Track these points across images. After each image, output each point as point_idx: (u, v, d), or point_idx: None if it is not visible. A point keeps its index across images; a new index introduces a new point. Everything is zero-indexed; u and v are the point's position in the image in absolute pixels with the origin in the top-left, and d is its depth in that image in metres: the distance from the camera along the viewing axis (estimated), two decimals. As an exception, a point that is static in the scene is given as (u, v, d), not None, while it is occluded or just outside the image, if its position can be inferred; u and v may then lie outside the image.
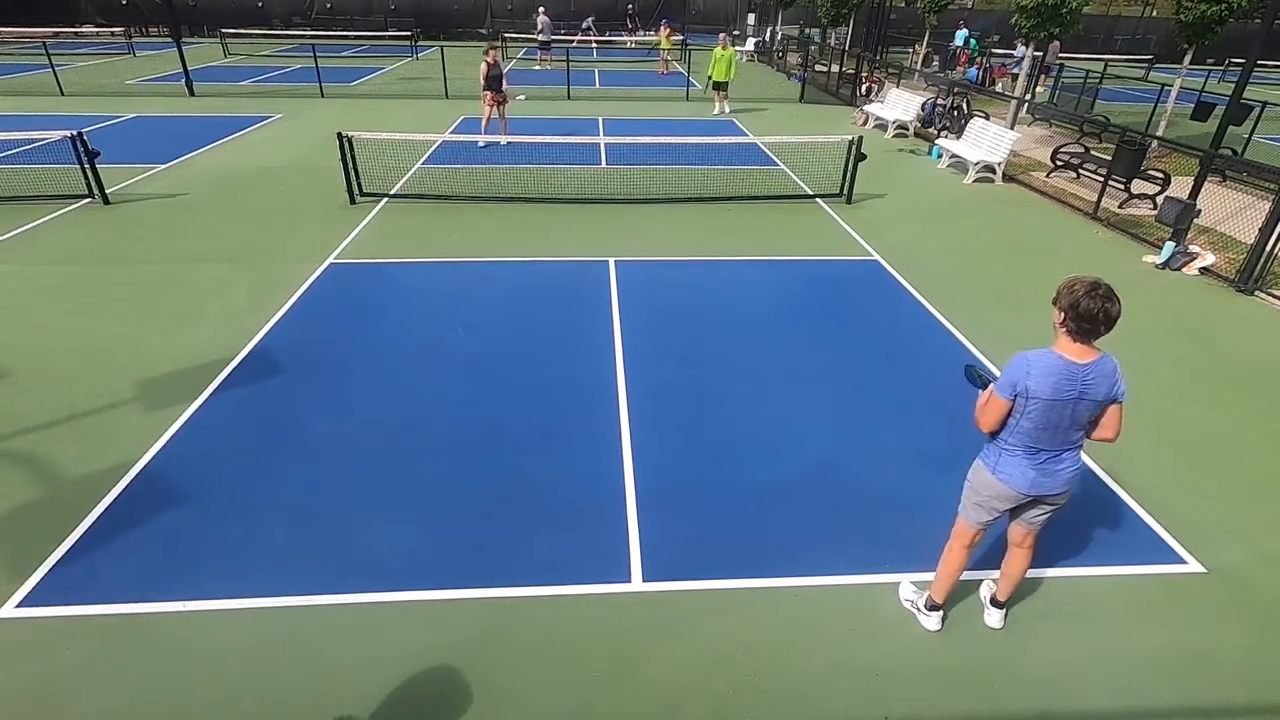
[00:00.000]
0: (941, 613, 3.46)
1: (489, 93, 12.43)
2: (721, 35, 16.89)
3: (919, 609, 3.51)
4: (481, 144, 12.59)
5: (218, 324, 6.30)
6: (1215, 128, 8.81)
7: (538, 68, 23.59)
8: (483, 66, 12.37)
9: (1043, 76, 19.38)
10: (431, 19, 33.47)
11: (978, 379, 3.05)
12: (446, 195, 10.06)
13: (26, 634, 3.35)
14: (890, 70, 19.86)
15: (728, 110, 16.87)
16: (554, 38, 24.64)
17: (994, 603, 3.49)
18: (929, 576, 3.53)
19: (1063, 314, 2.71)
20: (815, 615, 3.54)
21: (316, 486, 4.35)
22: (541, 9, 25.30)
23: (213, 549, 3.85)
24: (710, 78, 16.65)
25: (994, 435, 2.98)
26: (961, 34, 24.88)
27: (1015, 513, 3.16)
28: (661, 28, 25.22)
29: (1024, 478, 2.93)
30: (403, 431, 4.88)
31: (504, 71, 12.61)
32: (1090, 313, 2.62)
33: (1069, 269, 8.96)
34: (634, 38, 32.82)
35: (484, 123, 12.71)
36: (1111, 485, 4.50)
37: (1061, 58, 20.97)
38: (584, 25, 31.79)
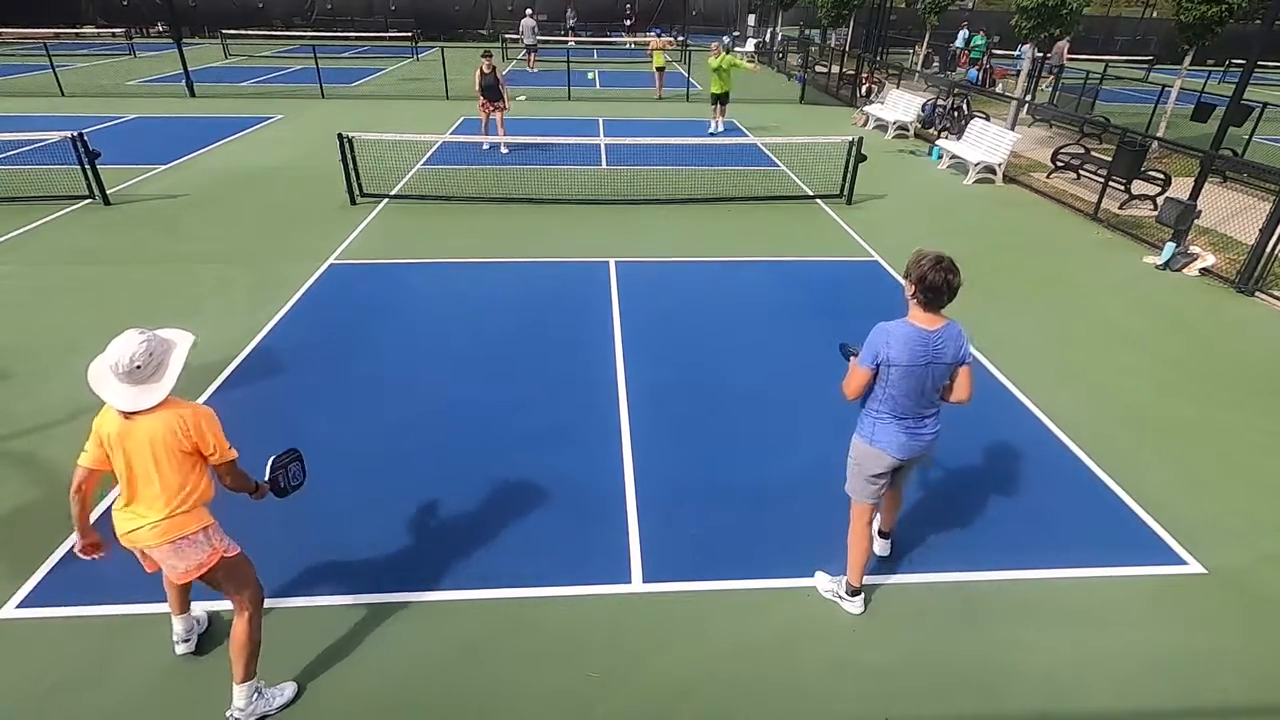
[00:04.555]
0: (862, 595, 3.56)
1: (483, 100, 12.40)
2: (714, 44, 14.64)
3: (841, 596, 3.61)
4: (485, 147, 12.58)
5: (218, 324, 6.30)
6: (1215, 129, 8.81)
7: (531, 70, 23.57)
8: (475, 75, 12.30)
9: (1049, 77, 19.38)
10: (432, 20, 33.48)
11: (848, 354, 3.32)
12: (447, 196, 10.07)
13: (26, 634, 3.36)
14: (890, 71, 19.87)
15: (720, 128, 14.80)
16: (540, 39, 24.48)
17: (881, 534, 3.82)
18: (920, 576, 3.51)
19: (913, 286, 2.97)
20: (816, 616, 3.54)
21: (315, 487, 4.31)
22: (528, 11, 25.23)
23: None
24: (712, 91, 14.46)
25: (862, 403, 3.26)
26: (963, 35, 24.89)
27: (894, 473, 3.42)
28: (653, 39, 22.11)
29: (896, 442, 3.20)
30: (402, 432, 4.88)
31: (501, 79, 12.39)
32: (936, 284, 2.90)
33: (1069, 270, 8.91)
34: (634, 38, 32.81)
35: (483, 126, 12.73)
36: (1112, 486, 4.50)
37: (1068, 58, 20.90)
38: (570, 24, 31.75)
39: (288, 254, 7.92)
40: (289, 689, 3.06)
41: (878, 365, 3.05)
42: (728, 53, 14.26)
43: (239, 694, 2.90)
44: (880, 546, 3.84)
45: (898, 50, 25.55)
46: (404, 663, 3.25)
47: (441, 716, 3.03)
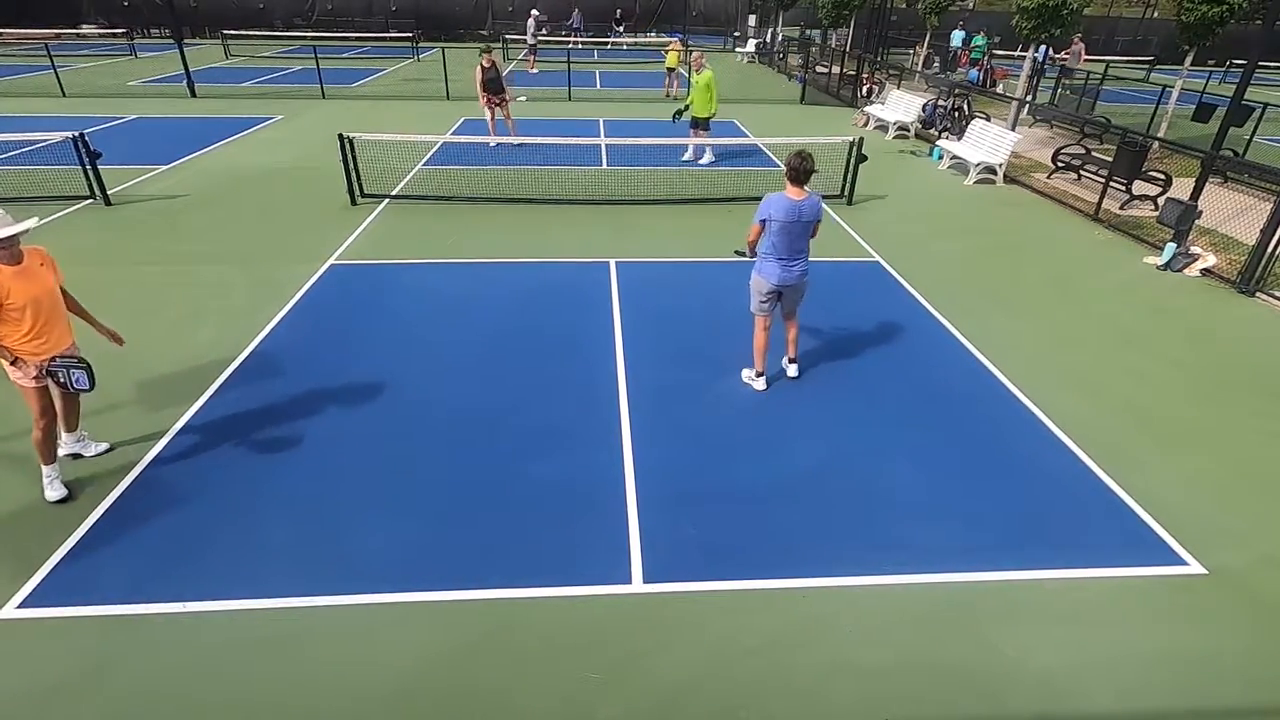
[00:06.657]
0: (764, 377, 5.40)
1: (486, 95, 12.47)
2: (696, 54, 12.21)
3: (753, 380, 5.41)
4: (493, 144, 12.60)
5: (218, 325, 6.30)
6: (1216, 129, 8.80)
7: (531, 71, 23.51)
8: (477, 70, 12.42)
9: (1063, 79, 19.35)
10: (433, 20, 33.47)
11: (740, 253, 5.42)
12: (447, 196, 10.07)
13: (27, 634, 3.36)
14: (891, 71, 19.86)
15: (703, 160, 12.25)
16: (539, 38, 24.31)
17: (790, 361, 5.57)
18: (920, 577, 3.53)
19: (790, 171, 4.77)
20: (815, 616, 3.54)
21: (317, 488, 4.35)
22: (533, 10, 25.16)
23: (213, 550, 3.85)
24: (689, 110, 11.60)
25: (755, 251, 5.10)
26: (959, 35, 24.88)
27: (780, 300, 5.20)
28: (675, 42, 21.85)
29: (775, 274, 5.02)
30: (403, 432, 4.88)
31: (503, 74, 12.61)
32: (796, 168, 4.76)
33: (1070, 270, 8.89)
34: (627, 39, 32.79)
35: (490, 125, 12.77)
36: (1113, 486, 4.50)
37: (1088, 59, 20.78)
38: (573, 25, 31.72)
39: (288, 254, 7.92)
40: (61, 488, 4.21)
41: (764, 221, 4.86)
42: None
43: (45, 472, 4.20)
44: (791, 370, 5.56)
45: (898, 51, 25.52)
46: (404, 664, 3.25)
47: (441, 717, 3.03)
